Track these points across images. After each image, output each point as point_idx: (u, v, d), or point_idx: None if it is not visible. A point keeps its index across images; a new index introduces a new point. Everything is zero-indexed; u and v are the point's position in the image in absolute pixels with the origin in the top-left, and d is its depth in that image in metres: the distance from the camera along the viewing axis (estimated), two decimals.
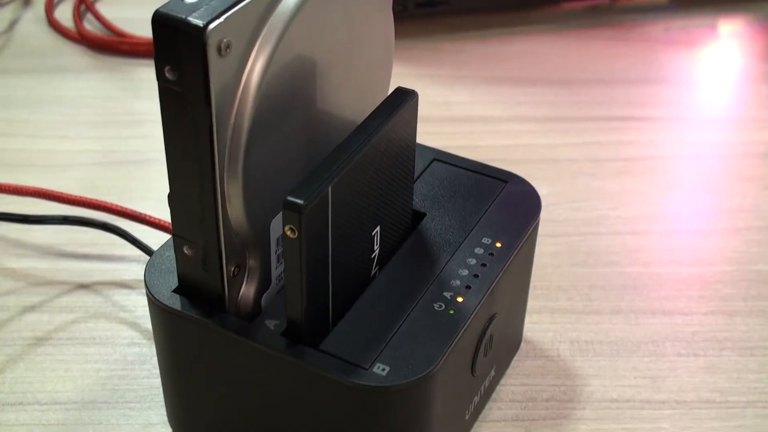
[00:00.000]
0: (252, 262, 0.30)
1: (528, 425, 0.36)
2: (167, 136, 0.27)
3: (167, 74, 0.25)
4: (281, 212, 0.27)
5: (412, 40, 0.60)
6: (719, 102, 0.56)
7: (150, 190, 0.47)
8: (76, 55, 0.58)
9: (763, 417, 0.37)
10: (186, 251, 0.29)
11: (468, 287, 0.31)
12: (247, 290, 0.30)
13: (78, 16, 0.59)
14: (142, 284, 0.41)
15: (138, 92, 0.55)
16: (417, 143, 0.33)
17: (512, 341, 0.37)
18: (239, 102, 0.26)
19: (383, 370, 0.28)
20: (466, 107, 0.55)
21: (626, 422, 0.36)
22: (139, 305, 0.40)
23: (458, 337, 0.30)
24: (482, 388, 0.34)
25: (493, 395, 0.37)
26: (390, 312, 0.30)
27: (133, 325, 0.39)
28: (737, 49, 0.62)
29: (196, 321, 0.30)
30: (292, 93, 0.28)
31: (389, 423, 0.29)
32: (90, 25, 0.59)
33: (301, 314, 0.28)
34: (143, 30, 0.59)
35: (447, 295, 0.31)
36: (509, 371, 0.38)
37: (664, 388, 0.38)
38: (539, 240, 0.39)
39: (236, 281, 0.30)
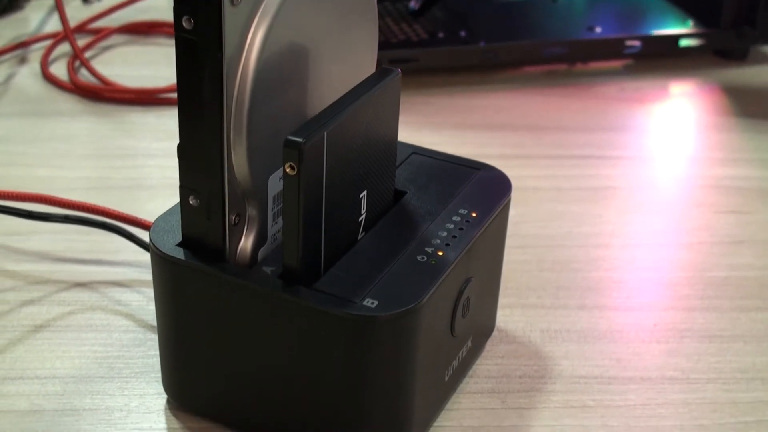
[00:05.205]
0: (251, 212, 0.32)
1: (503, 397, 0.38)
2: (181, 87, 0.30)
3: (184, 23, 0.29)
4: (278, 170, 0.30)
5: None
6: (672, 145, 0.60)
7: (143, 210, 0.49)
8: (69, 102, 0.61)
9: (723, 391, 0.39)
10: (191, 201, 0.32)
11: (447, 245, 0.34)
12: (246, 243, 0.33)
13: (72, 70, 0.63)
14: (138, 284, 0.44)
15: (129, 132, 0.58)
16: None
17: (486, 323, 0.40)
18: (246, 54, 0.30)
19: (373, 303, 0.31)
20: (434, 146, 0.58)
21: (595, 394, 0.39)
22: (134, 301, 0.43)
23: (441, 280, 0.32)
24: (460, 354, 0.37)
25: (470, 372, 0.39)
26: (377, 261, 0.33)
27: (129, 316, 0.42)
28: (688, 105, 0.67)
29: (199, 269, 0.32)
30: (291, 58, 0.32)
31: (379, 353, 0.31)
32: (83, 79, 0.63)
33: (297, 252, 0.31)
34: (134, 84, 0.63)
35: (429, 249, 0.34)
36: (484, 353, 0.41)
37: (630, 367, 0.40)
38: (509, 250, 0.42)
39: (236, 231, 0.32)
